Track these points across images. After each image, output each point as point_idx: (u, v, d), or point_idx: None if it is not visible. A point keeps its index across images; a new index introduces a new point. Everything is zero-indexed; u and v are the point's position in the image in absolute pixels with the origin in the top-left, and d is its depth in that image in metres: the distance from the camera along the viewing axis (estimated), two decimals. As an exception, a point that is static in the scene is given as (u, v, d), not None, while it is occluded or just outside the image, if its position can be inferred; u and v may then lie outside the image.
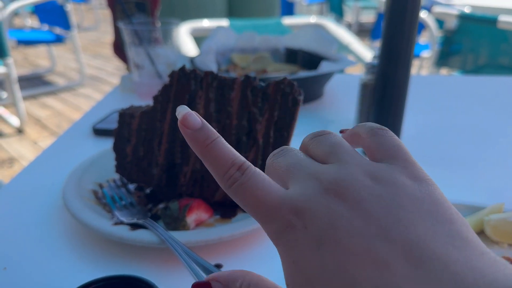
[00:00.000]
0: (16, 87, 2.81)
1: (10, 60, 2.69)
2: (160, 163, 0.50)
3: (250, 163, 0.23)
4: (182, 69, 0.48)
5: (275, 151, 0.26)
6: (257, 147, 0.48)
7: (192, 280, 0.38)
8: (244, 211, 0.49)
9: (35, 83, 3.79)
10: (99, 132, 0.73)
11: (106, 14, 5.71)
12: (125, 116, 0.50)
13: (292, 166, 0.23)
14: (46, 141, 2.69)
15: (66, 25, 3.45)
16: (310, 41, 1.00)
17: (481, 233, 0.47)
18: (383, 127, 0.24)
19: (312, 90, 0.87)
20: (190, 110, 0.24)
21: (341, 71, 1.05)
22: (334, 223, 0.19)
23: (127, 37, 0.87)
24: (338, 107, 0.89)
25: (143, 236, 0.42)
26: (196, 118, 0.24)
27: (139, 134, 0.50)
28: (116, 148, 0.51)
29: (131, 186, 0.53)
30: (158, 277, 0.41)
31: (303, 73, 0.81)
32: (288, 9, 3.63)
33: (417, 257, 0.17)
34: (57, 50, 4.44)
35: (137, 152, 0.50)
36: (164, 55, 0.90)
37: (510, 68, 2.33)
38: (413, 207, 0.19)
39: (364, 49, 1.42)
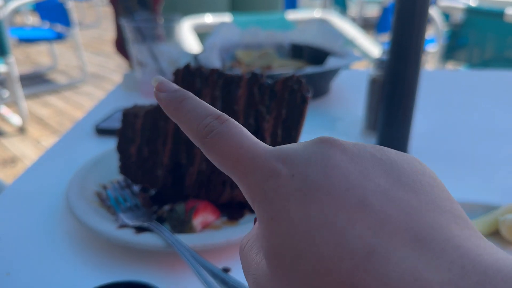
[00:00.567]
0: (18, 85, 2.80)
1: (11, 59, 2.68)
2: (165, 163, 0.48)
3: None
4: (187, 67, 0.47)
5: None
6: (265, 147, 0.47)
7: (200, 285, 0.36)
8: (252, 212, 0.47)
9: (36, 81, 3.78)
10: (102, 131, 0.71)
11: (107, 11, 5.69)
12: (129, 116, 0.49)
13: None
14: (48, 140, 2.68)
15: (67, 22, 3.44)
16: (316, 36, 0.99)
17: (495, 233, 0.46)
18: None
19: (319, 86, 0.86)
20: (162, 79, 0.24)
21: (347, 66, 1.03)
22: (327, 172, 0.17)
23: (129, 34, 0.86)
24: (345, 103, 0.87)
25: (149, 240, 0.41)
26: (171, 84, 0.23)
27: (143, 134, 0.49)
28: (120, 148, 0.50)
29: (136, 187, 0.52)
30: (164, 282, 0.39)
31: (310, 69, 0.79)
32: (291, 3, 3.60)
33: (417, 224, 0.15)
34: (58, 47, 4.43)
35: (141, 153, 0.49)
36: (167, 52, 0.89)
37: (517, 62, 2.30)
38: (413, 175, 0.17)
39: (370, 44, 1.40)
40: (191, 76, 0.47)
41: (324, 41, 0.96)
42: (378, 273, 0.14)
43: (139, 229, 0.43)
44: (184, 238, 0.41)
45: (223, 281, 0.36)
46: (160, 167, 0.48)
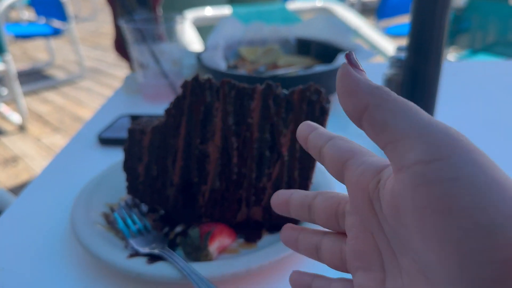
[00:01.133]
0: (16, 83, 2.76)
1: (8, 56, 2.63)
2: (175, 183, 0.45)
3: None
4: (196, 78, 0.43)
5: None
6: (281, 162, 0.43)
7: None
8: (271, 233, 0.44)
9: (35, 77, 3.74)
10: (105, 141, 0.68)
11: (103, 3, 5.61)
12: (135, 132, 0.45)
13: None
14: (49, 138, 2.65)
15: (63, 16, 3.38)
16: (323, 31, 0.94)
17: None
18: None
19: (328, 84, 0.82)
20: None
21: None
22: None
23: (129, 35, 0.82)
24: (356, 101, 0.84)
25: (162, 271, 0.38)
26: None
27: (151, 152, 0.45)
28: (127, 167, 0.47)
29: (144, 206, 0.49)
30: (181, 318, 0.37)
31: (320, 67, 0.76)
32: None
33: None
34: (55, 43, 4.37)
35: (150, 172, 0.46)
36: (169, 52, 0.85)
37: (520, 45, 2.26)
38: None
39: (378, 35, 1.35)
40: (201, 88, 0.43)
41: (332, 36, 0.92)
42: None
43: (151, 258, 0.40)
44: (200, 267, 0.38)
45: (246, 319, 0.33)
46: (170, 186, 0.45)
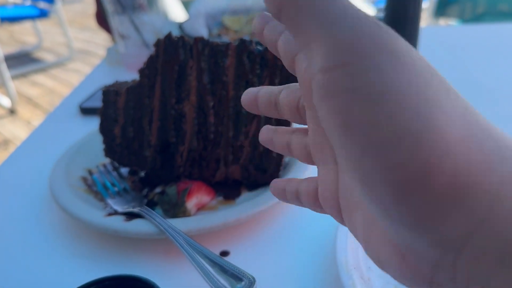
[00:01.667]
0: (4, 66, 2.73)
1: (-6, 39, 2.59)
2: (152, 143, 0.45)
3: None
4: (169, 36, 0.43)
5: None
6: (258, 119, 0.43)
7: (196, 273, 0.34)
8: (250, 190, 0.44)
9: (23, 61, 3.69)
10: (86, 111, 0.68)
11: (90, -17, 5.50)
12: (110, 94, 0.45)
13: None
14: (40, 121, 2.63)
15: (49, -2, 3.32)
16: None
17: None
18: None
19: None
20: None
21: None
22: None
23: (109, 5, 0.80)
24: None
25: (139, 227, 0.38)
26: None
27: (126, 113, 0.45)
28: (103, 130, 0.46)
29: (124, 170, 0.49)
30: (157, 272, 0.37)
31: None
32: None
33: None
34: (42, 25, 4.30)
35: (126, 133, 0.46)
36: (150, 23, 0.84)
37: (511, 15, 2.25)
38: None
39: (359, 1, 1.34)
40: (174, 47, 0.43)
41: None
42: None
43: (129, 216, 0.40)
44: (178, 223, 0.38)
45: (221, 268, 0.33)
46: (147, 147, 0.45)
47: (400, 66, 0.14)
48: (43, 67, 3.53)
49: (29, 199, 0.48)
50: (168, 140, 0.45)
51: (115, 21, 0.82)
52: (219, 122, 0.44)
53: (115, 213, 0.40)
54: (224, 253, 0.38)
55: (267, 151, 0.44)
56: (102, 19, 0.97)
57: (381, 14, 0.63)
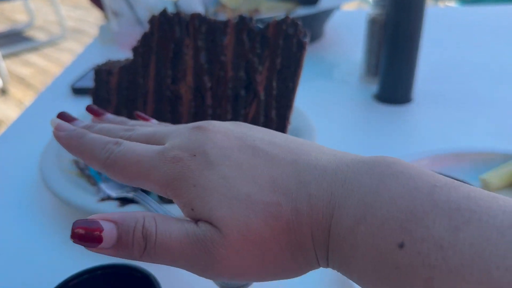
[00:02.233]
0: (-6, 45, 2.67)
1: (-17, 16, 2.53)
2: (147, 126, 0.43)
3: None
4: (164, 13, 0.40)
5: (121, 133, 0.27)
6: (258, 101, 0.41)
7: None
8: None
9: (14, 39, 3.62)
10: (78, 91, 0.65)
11: (82, -40, 5.38)
12: (102, 73, 0.43)
13: (155, 131, 0.26)
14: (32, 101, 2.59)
15: (39, -26, 3.24)
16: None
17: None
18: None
19: (312, 29, 0.79)
20: (60, 120, 0.27)
21: (339, 6, 0.96)
22: (218, 144, 0.22)
23: (100, -19, 0.77)
24: (341, 48, 0.81)
25: (133, 213, 0.36)
26: (69, 124, 0.26)
27: (120, 94, 0.43)
28: (95, 111, 0.44)
29: (118, 153, 0.47)
30: (155, 260, 0.35)
31: (302, 10, 0.72)
32: None
33: (280, 146, 0.23)
34: (34, 3, 4.21)
35: (119, 115, 0.43)
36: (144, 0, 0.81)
37: (512, -5, 2.21)
38: (257, 130, 0.24)
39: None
40: (169, 23, 0.40)
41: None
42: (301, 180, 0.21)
43: (123, 201, 0.38)
44: (173, 209, 0.36)
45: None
46: (142, 130, 0.43)
47: None
48: (35, 46, 3.47)
49: (19, 181, 0.46)
50: (164, 122, 0.43)
51: (107, -3, 0.79)
52: (217, 104, 0.42)
53: (109, 198, 0.39)
54: (222, 241, 0.37)
55: (267, 135, 0.42)
56: (94, -4, 0.94)
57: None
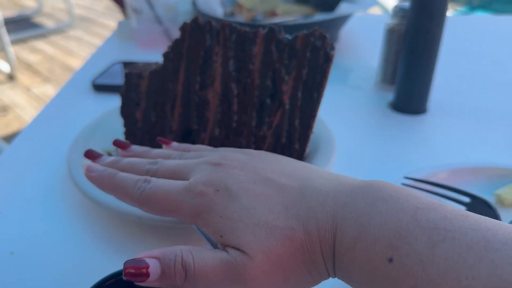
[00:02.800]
0: (3, 30, 2.67)
1: (-6, 2, 2.53)
2: (174, 129, 0.44)
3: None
4: (195, 20, 0.41)
5: (147, 166, 0.31)
6: (283, 110, 0.43)
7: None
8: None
9: (22, 25, 3.62)
10: (99, 87, 0.67)
11: None
12: (132, 76, 0.44)
13: (178, 165, 0.30)
14: (39, 87, 2.60)
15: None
16: (323, -22, 0.91)
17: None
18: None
19: (329, 34, 0.80)
20: (90, 162, 0.31)
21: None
22: (237, 179, 0.27)
23: (122, -22, 0.78)
24: (356, 53, 0.82)
25: (162, 215, 0.38)
26: (98, 165, 0.31)
27: (149, 97, 0.44)
28: (124, 113, 0.46)
29: (142, 153, 0.48)
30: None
31: (320, 16, 0.73)
32: None
33: (288, 175, 0.27)
34: (42, -12, 4.20)
35: (148, 118, 0.45)
36: (164, -2, 0.82)
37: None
38: (267, 160, 0.29)
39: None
40: (200, 31, 0.42)
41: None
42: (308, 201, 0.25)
43: (151, 202, 0.40)
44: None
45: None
46: (169, 133, 0.45)
47: None
48: (43, 33, 3.47)
49: (44, 179, 0.48)
50: (190, 127, 0.44)
51: (128, -6, 0.80)
52: (242, 111, 0.43)
53: (136, 199, 0.40)
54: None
55: (289, 143, 0.44)
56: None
57: (406, 3, 0.61)
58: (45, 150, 0.53)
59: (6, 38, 2.71)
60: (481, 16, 1.09)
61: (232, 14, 0.88)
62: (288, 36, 0.41)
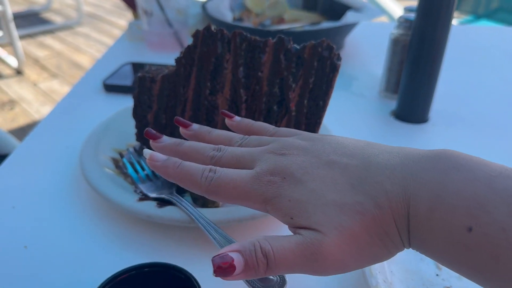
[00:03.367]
0: (12, 25, 2.70)
1: (4, -3, 2.56)
2: (184, 132, 0.46)
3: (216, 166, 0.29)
4: (208, 28, 0.43)
5: (211, 153, 0.31)
6: (289, 117, 0.44)
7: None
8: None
9: (31, 21, 3.65)
10: (109, 88, 0.68)
11: None
12: (145, 80, 0.46)
13: (243, 153, 0.30)
14: (46, 83, 2.63)
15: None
16: (331, -14, 0.93)
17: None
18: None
19: (334, 42, 0.82)
20: (152, 150, 0.31)
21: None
22: (301, 165, 0.27)
23: (135, -19, 0.80)
24: (361, 61, 0.84)
25: (172, 214, 0.39)
26: (160, 154, 0.30)
27: (160, 100, 0.46)
28: (136, 114, 0.47)
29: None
30: (186, 258, 0.39)
31: (327, 24, 0.75)
32: None
33: (350, 155, 0.28)
34: (51, -16, 4.23)
35: (159, 120, 0.47)
36: (174, 1, 0.84)
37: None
38: (329, 144, 0.29)
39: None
40: (212, 39, 0.43)
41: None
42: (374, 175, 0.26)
43: (160, 202, 0.41)
44: (207, 212, 0.39)
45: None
46: (179, 136, 0.46)
47: None
48: (51, 29, 3.50)
49: (56, 176, 0.49)
50: (199, 130, 0.46)
51: (140, -3, 0.82)
52: (250, 116, 0.45)
53: (146, 198, 0.42)
54: (250, 244, 0.40)
55: (295, 148, 0.45)
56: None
57: (411, 14, 0.63)
58: (57, 147, 0.55)
59: (15, 33, 2.73)
60: (484, 27, 1.11)
61: (240, 19, 0.90)
62: (297, 46, 0.43)
